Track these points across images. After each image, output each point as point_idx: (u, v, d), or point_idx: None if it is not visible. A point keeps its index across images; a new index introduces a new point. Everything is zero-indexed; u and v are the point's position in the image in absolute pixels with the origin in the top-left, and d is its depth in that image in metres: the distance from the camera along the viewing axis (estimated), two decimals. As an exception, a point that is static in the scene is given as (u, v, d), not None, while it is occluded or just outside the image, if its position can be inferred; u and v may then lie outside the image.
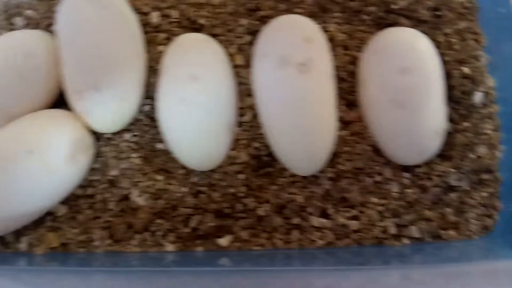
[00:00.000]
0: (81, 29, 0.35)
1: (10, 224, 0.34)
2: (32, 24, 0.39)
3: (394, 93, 0.35)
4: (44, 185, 0.33)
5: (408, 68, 0.35)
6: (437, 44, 0.38)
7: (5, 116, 0.34)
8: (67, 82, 0.35)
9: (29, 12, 0.39)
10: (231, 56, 0.38)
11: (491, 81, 0.38)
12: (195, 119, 0.35)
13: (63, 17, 0.35)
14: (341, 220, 0.35)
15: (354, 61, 0.38)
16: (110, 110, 0.35)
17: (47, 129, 0.33)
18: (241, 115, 0.37)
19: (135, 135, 0.37)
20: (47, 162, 0.33)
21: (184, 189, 0.36)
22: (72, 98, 0.35)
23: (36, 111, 0.35)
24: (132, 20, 0.37)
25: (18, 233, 0.35)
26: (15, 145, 0.32)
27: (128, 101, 0.35)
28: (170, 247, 0.35)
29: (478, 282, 0.33)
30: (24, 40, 0.35)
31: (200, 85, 0.35)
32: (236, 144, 0.36)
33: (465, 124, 0.37)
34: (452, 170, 0.37)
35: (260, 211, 0.36)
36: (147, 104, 0.37)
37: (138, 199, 0.36)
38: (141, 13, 0.39)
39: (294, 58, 0.34)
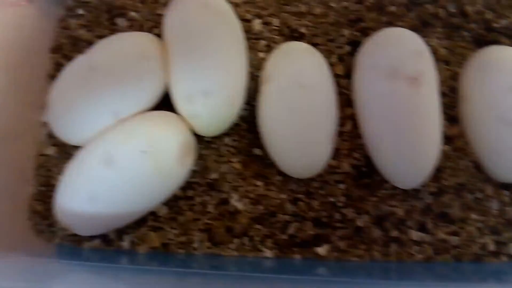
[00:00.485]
0: (190, 33, 0.35)
1: (115, 222, 0.34)
2: (135, 26, 0.39)
3: (501, 111, 0.35)
4: (154, 186, 0.33)
5: (517, 86, 0.35)
6: (538, 65, 0.38)
7: (116, 115, 0.34)
8: (176, 85, 0.35)
9: (133, 14, 0.40)
10: (332, 65, 0.38)
11: None
12: (299, 127, 0.35)
13: (172, 21, 0.36)
14: (441, 235, 0.35)
15: (455, 76, 0.38)
16: (218, 114, 0.35)
17: (159, 131, 0.34)
18: (341, 124, 0.37)
19: (234, 140, 0.37)
20: (159, 163, 0.33)
21: (283, 196, 0.36)
22: (179, 101, 0.35)
23: (145, 112, 0.35)
24: (237, 27, 0.37)
25: (121, 231, 0.35)
26: (129, 145, 0.33)
27: (233, 106, 0.36)
28: (267, 253, 0.35)
29: None
30: (138, 42, 0.35)
31: (306, 93, 0.35)
32: (336, 153, 0.37)
33: None
34: (552, 190, 0.37)
35: (359, 222, 0.36)
36: (245, 109, 0.38)
37: (237, 203, 0.36)
38: (243, 20, 0.39)
39: (405, 71, 0.34)
